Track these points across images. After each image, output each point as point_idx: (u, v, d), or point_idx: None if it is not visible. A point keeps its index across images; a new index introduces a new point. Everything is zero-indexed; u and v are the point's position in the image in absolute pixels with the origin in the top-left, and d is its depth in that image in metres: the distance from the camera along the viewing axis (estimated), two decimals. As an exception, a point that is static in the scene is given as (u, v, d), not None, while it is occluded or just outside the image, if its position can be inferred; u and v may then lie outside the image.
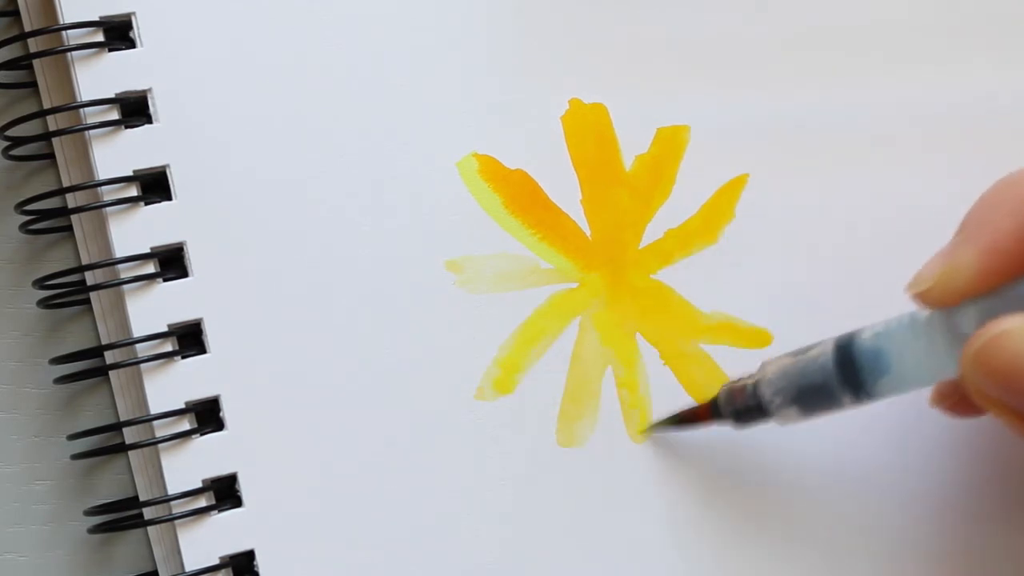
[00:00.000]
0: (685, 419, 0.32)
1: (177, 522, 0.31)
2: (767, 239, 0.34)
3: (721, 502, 0.33)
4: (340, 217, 0.32)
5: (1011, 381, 0.24)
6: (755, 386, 0.31)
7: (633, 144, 0.34)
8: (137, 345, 0.31)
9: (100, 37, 0.31)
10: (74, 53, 0.31)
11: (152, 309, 0.31)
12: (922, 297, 0.27)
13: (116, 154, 0.31)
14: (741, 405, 0.31)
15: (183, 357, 0.31)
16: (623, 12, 0.34)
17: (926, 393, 0.31)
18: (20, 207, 0.32)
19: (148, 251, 0.31)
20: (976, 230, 0.26)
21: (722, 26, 0.34)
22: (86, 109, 0.31)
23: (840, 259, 0.34)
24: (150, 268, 0.31)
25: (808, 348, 0.30)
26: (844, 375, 0.29)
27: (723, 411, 0.31)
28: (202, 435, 0.31)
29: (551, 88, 0.33)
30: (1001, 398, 0.25)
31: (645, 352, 0.33)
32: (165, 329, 0.31)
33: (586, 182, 0.33)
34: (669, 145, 0.34)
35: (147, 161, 0.31)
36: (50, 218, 0.32)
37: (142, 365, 0.31)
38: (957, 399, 0.30)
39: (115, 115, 0.31)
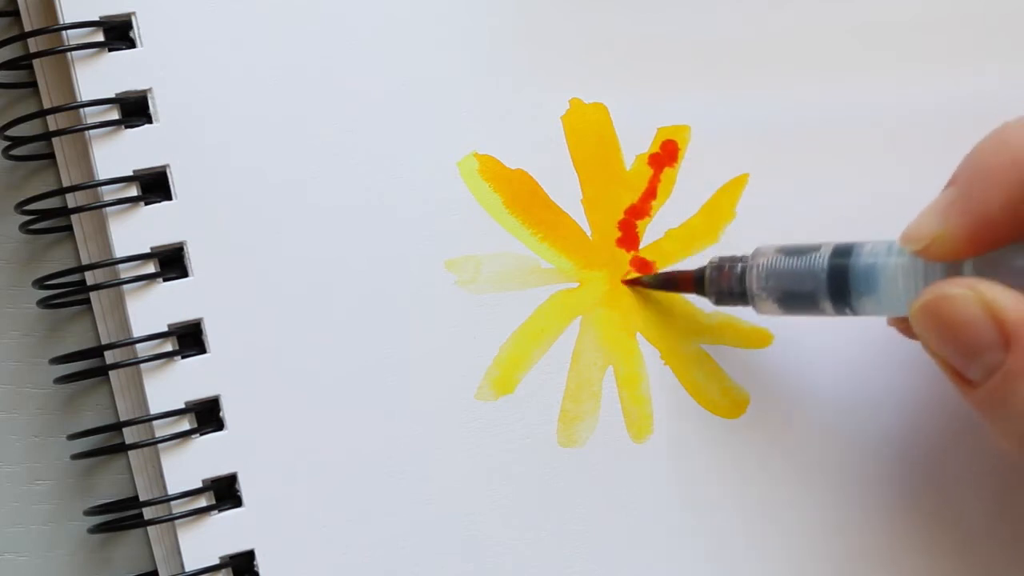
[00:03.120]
0: (667, 281, 0.33)
1: (177, 522, 0.31)
2: (767, 239, 0.34)
3: (721, 502, 0.33)
4: (340, 217, 0.32)
5: (942, 339, 0.27)
6: (743, 273, 0.31)
7: (633, 144, 0.34)
8: (137, 345, 0.31)
9: (100, 37, 0.31)
10: (74, 53, 0.31)
11: (152, 309, 0.31)
12: (920, 254, 0.28)
13: (116, 154, 0.31)
14: (725, 288, 0.31)
15: (183, 357, 0.31)
16: (624, 12, 0.34)
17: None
18: (20, 207, 0.32)
19: (148, 251, 0.31)
20: (968, 195, 0.27)
21: (722, 26, 0.34)
22: (86, 109, 0.31)
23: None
24: (150, 268, 0.31)
25: (803, 248, 0.30)
26: (833, 287, 0.29)
27: (706, 287, 0.32)
28: (202, 435, 0.31)
29: (551, 88, 0.33)
30: (939, 352, 0.27)
31: (645, 352, 0.33)
32: (165, 329, 0.31)
33: (586, 182, 0.33)
34: (671, 147, 0.34)
35: (147, 161, 0.31)
36: (50, 218, 0.32)
37: (142, 365, 0.31)
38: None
39: (115, 115, 0.31)
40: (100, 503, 0.33)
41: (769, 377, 0.34)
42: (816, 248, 0.30)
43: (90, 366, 0.32)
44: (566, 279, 0.33)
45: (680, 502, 0.33)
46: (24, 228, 0.32)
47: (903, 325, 0.32)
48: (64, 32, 0.31)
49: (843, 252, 0.29)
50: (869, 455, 0.34)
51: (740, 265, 0.31)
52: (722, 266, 0.31)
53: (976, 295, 0.26)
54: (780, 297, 0.30)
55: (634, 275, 0.33)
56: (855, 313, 0.29)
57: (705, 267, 0.32)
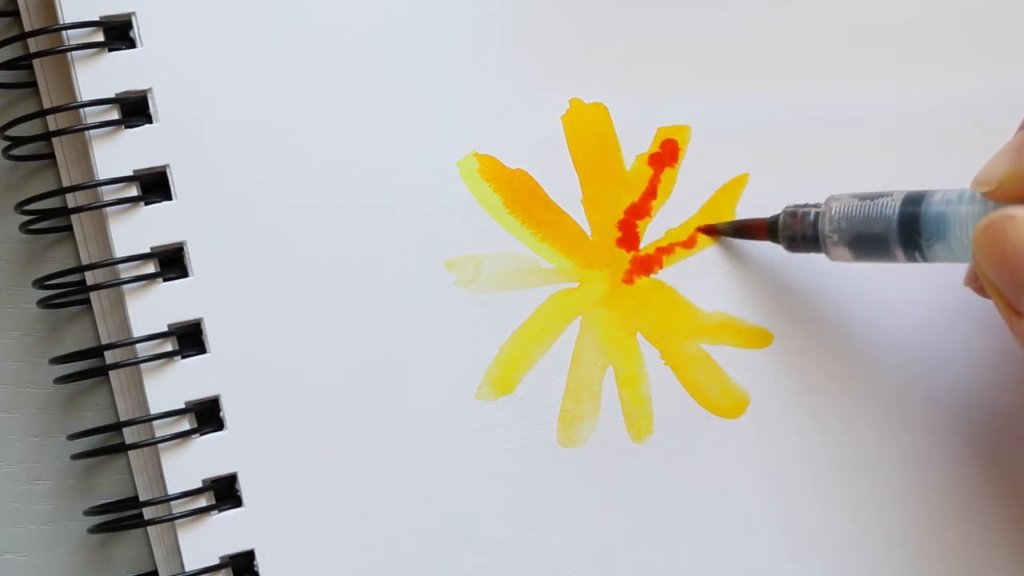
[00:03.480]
0: (741, 229, 0.33)
1: (177, 522, 0.31)
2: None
3: (721, 502, 0.33)
4: (340, 217, 0.32)
5: (1000, 261, 0.27)
6: (816, 218, 0.31)
7: (633, 144, 0.34)
8: (137, 345, 0.31)
9: (100, 37, 0.31)
10: (74, 53, 0.31)
11: (152, 309, 0.31)
12: (989, 195, 0.28)
13: (116, 154, 0.31)
14: (799, 232, 0.31)
15: (183, 357, 0.31)
16: (624, 12, 0.34)
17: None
18: (20, 207, 0.32)
19: (148, 251, 0.31)
20: None
21: (722, 26, 0.34)
22: (86, 109, 0.31)
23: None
24: (150, 268, 0.31)
25: (876, 195, 0.30)
26: (904, 232, 0.29)
27: (779, 233, 0.32)
28: (202, 435, 0.31)
29: (551, 88, 0.33)
30: (994, 279, 0.27)
31: (645, 352, 0.33)
32: (165, 329, 0.31)
33: (586, 182, 0.33)
34: (670, 147, 0.34)
35: (147, 161, 0.31)
36: (50, 218, 0.32)
37: (142, 365, 0.31)
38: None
39: (115, 115, 0.31)
40: (100, 503, 0.33)
41: (769, 377, 0.34)
42: (889, 194, 0.30)
43: (90, 366, 0.32)
44: (566, 279, 0.33)
45: (680, 502, 0.33)
46: (24, 228, 0.32)
47: (978, 285, 0.31)
48: (64, 32, 0.31)
49: (915, 199, 0.29)
50: (869, 455, 0.34)
51: (814, 211, 0.31)
52: (795, 212, 0.31)
53: None
54: (851, 240, 0.30)
55: (716, 229, 0.34)
56: (925, 260, 0.29)
57: (779, 214, 0.32)
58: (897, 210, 0.29)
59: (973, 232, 0.27)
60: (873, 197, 0.30)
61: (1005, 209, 0.27)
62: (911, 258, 0.30)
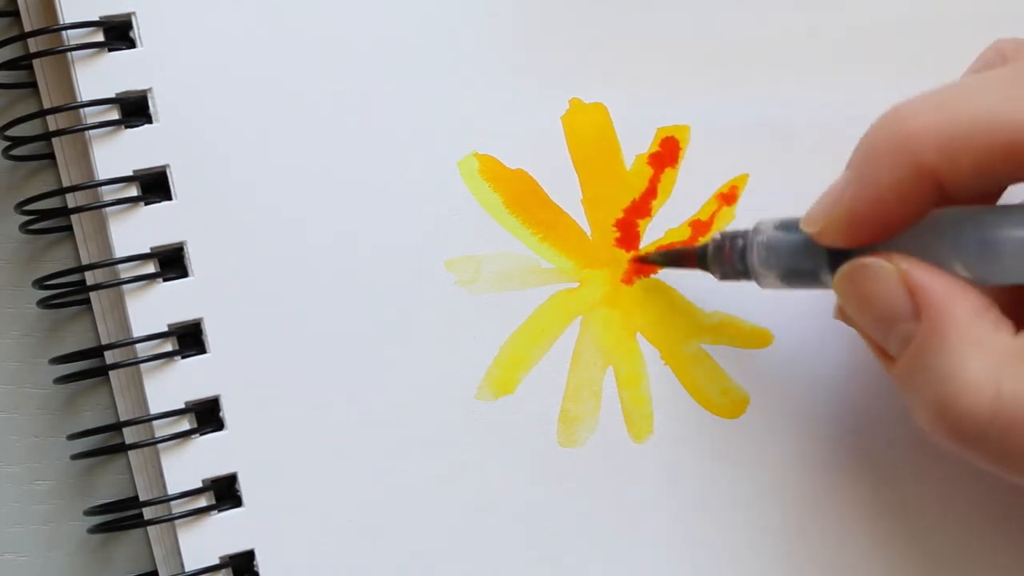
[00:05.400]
0: (672, 259, 0.33)
1: (177, 522, 0.31)
2: (767, 239, 0.34)
3: (721, 502, 0.33)
4: (340, 217, 0.32)
5: (861, 309, 0.28)
6: (743, 251, 0.30)
7: (633, 144, 0.34)
8: (137, 345, 0.31)
9: (100, 37, 0.31)
10: (74, 53, 0.31)
11: (152, 309, 0.31)
12: (812, 237, 0.28)
13: (116, 154, 0.31)
14: (728, 266, 0.31)
15: (183, 357, 0.31)
16: (624, 12, 0.34)
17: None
18: (20, 207, 0.32)
19: (148, 251, 0.31)
20: (858, 179, 0.27)
21: (722, 26, 0.34)
22: (86, 109, 0.31)
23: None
24: (150, 268, 0.31)
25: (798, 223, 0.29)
26: (834, 261, 0.29)
27: (709, 264, 0.31)
28: (202, 435, 0.31)
29: (551, 88, 0.33)
30: (860, 325, 0.28)
31: (645, 352, 0.33)
32: (165, 329, 0.31)
33: (586, 182, 0.33)
34: (669, 145, 0.34)
35: (147, 161, 0.31)
36: (50, 218, 0.32)
37: (142, 365, 0.31)
38: None
39: (115, 115, 0.31)
40: (100, 503, 0.33)
41: (769, 377, 0.34)
42: None
43: (90, 366, 0.32)
44: (566, 279, 0.33)
45: (680, 502, 0.33)
46: (24, 228, 0.32)
47: (845, 317, 0.31)
48: (64, 32, 0.31)
49: None
50: (869, 455, 0.34)
51: (741, 242, 0.31)
52: (723, 244, 0.31)
53: (892, 264, 0.27)
54: (782, 274, 0.30)
55: (642, 253, 0.33)
56: None
57: (707, 244, 0.31)
58: (825, 251, 0.29)
59: (833, 281, 0.28)
60: (795, 226, 0.29)
61: (858, 259, 0.27)
62: None
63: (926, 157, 0.26)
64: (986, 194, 0.27)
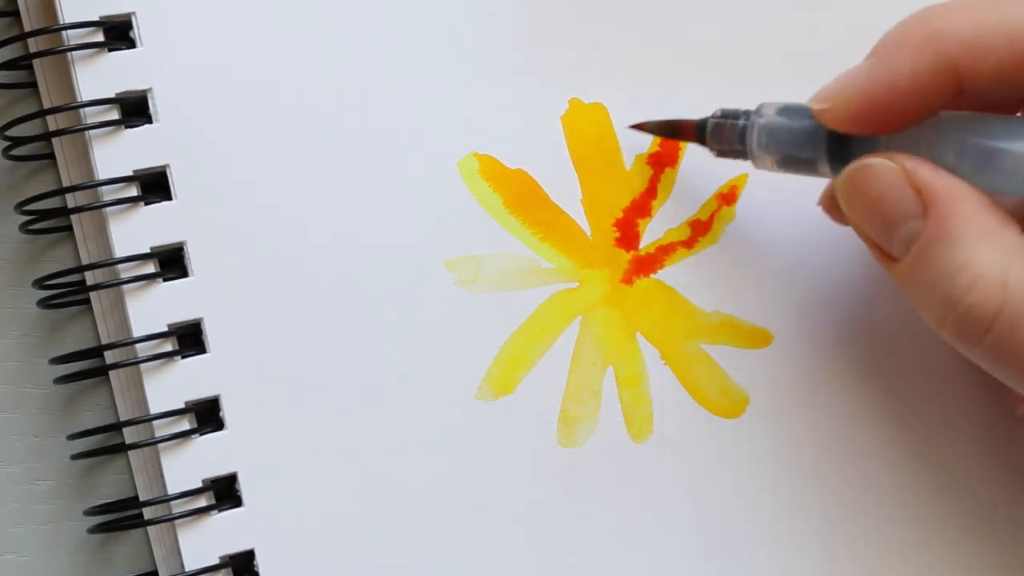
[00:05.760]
0: (670, 130, 0.33)
1: (177, 522, 0.31)
2: (767, 239, 0.34)
3: (721, 502, 0.33)
4: (340, 217, 0.32)
5: (865, 210, 0.28)
6: (743, 131, 0.31)
7: (633, 144, 0.34)
8: (137, 345, 0.31)
9: (100, 37, 0.31)
10: (74, 53, 0.31)
11: (152, 309, 0.31)
12: (819, 115, 0.28)
13: (116, 154, 0.31)
14: (726, 144, 0.31)
15: (183, 357, 0.31)
16: (623, 12, 0.34)
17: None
18: (20, 207, 0.32)
19: (148, 251, 0.31)
20: (879, 62, 0.27)
21: (722, 26, 0.34)
22: (86, 109, 0.31)
23: (840, 258, 0.34)
24: (150, 268, 0.31)
25: (804, 110, 0.29)
26: (833, 151, 0.29)
27: (708, 139, 0.32)
28: (202, 435, 0.31)
29: (551, 88, 0.33)
30: (862, 226, 0.28)
31: (645, 352, 0.33)
32: (165, 329, 0.31)
33: (586, 182, 0.33)
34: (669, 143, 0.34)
35: (147, 161, 0.31)
36: (50, 218, 0.32)
37: (142, 365, 0.31)
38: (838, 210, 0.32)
39: (115, 115, 0.31)
40: (100, 503, 0.33)
41: (769, 377, 0.34)
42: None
43: (90, 366, 0.32)
44: (566, 279, 0.33)
45: (680, 502, 0.33)
46: (24, 228, 0.32)
47: (829, 204, 0.32)
48: (64, 32, 0.31)
49: None
50: (870, 455, 0.34)
51: (742, 122, 0.31)
52: (724, 122, 0.31)
53: (896, 164, 0.27)
54: (780, 159, 0.30)
55: (635, 124, 0.33)
56: None
57: (708, 119, 0.32)
58: (826, 136, 0.29)
59: (835, 184, 0.28)
60: (801, 113, 0.29)
61: (862, 160, 0.28)
62: (838, 172, 0.29)
63: (950, 52, 0.26)
64: (1002, 104, 0.28)
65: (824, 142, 0.29)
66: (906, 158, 0.27)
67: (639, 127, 0.33)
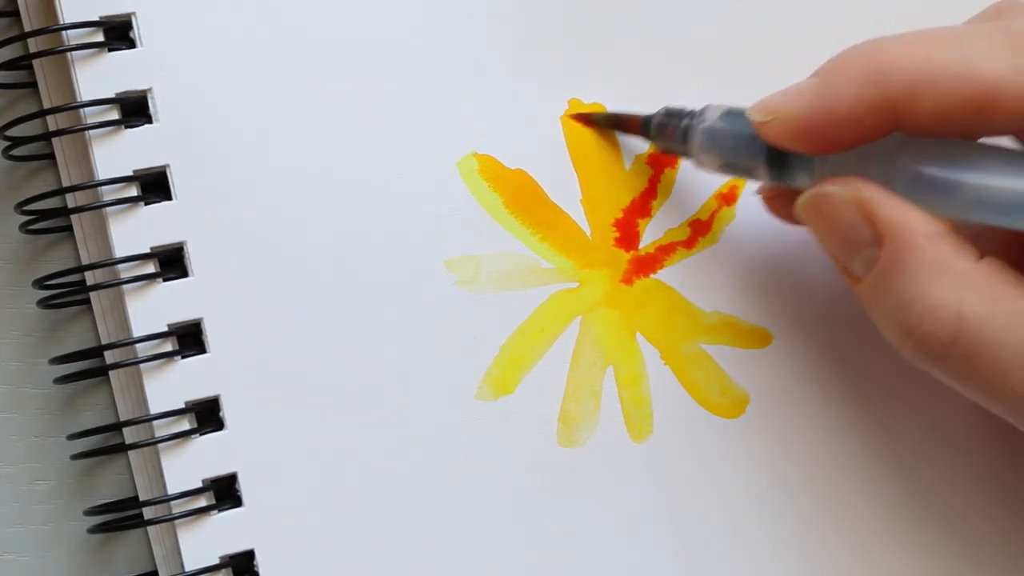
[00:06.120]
0: (614, 122, 0.33)
1: (177, 522, 0.31)
2: (767, 239, 0.34)
3: (721, 502, 0.33)
4: (340, 217, 0.32)
5: (826, 234, 0.28)
6: (685, 132, 0.31)
7: (633, 144, 0.34)
8: (137, 345, 0.31)
9: (100, 37, 0.31)
10: (74, 53, 0.31)
11: (152, 309, 0.31)
12: (758, 128, 0.28)
13: (116, 154, 0.31)
14: (669, 143, 0.31)
15: (183, 357, 0.31)
16: (624, 12, 0.34)
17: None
18: (20, 207, 0.32)
19: (148, 251, 0.31)
20: (823, 84, 0.27)
21: (722, 26, 0.34)
22: (86, 109, 0.31)
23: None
24: (150, 268, 0.31)
25: (745, 116, 0.29)
26: (772, 160, 0.29)
27: (652, 135, 0.32)
28: (202, 435, 0.31)
29: (551, 88, 0.33)
30: (827, 248, 0.29)
31: (645, 352, 0.33)
32: (165, 329, 0.31)
33: (585, 182, 0.33)
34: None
35: (147, 161, 0.31)
36: (50, 218, 0.32)
37: (142, 365, 0.31)
38: (778, 199, 0.32)
39: (115, 115, 0.31)
40: (100, 503, 0.33)
41: (769, 377, 0.34)
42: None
43: (90, 366, 0.32)
44: (566, 279, 0.33)
45: (680, 502, 0.33)
46: (24, 228, 0.32)
47: (767, 195, 0.32)
48: (64, 32, 0.31)
49: None
50: (870, 455, 0.34)
51: (686, 122, 0.31)
52: (667, 123, 0.31)
53: (851, 193, 0.27)
54: (720, 163, 0.30)
55: (579, 112, 0.33)
56: (790, 182, 0.29)
57: (652, 116, 0.32)
58: (766, 145, 0.29)
59: (796, 204, 0.29)
60: (744, 119, 0.29)
61: (820, 187, 0.28)
62: (776, 180, 0.30)
63: (892, 89, 0.26)
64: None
65: (763, 151, 0.29)
66: (862, 185, 0.27)
67: (582, 117, 0.33)
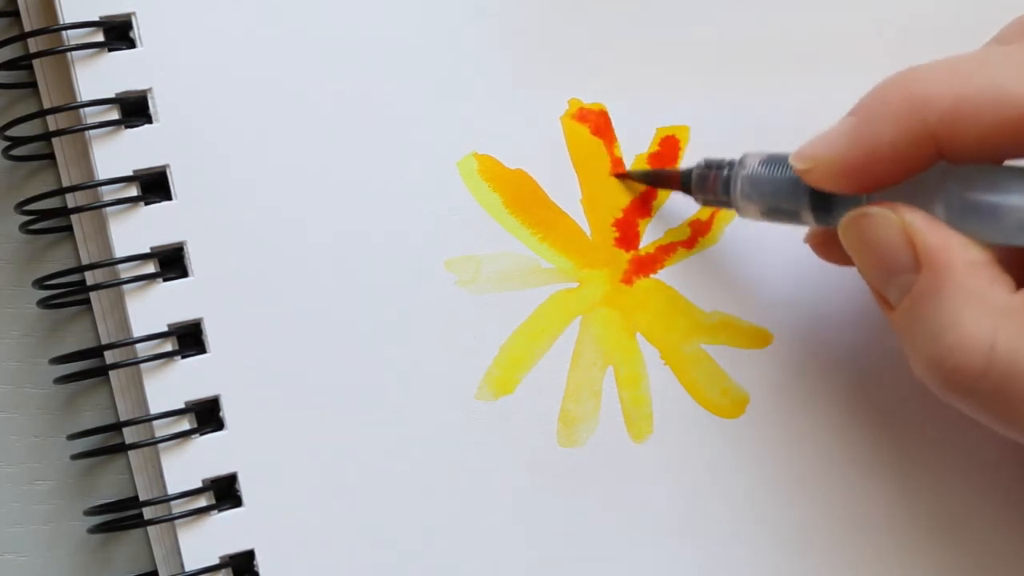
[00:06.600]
0: (655, 179, 0.33)
1: (177, 522, 0.31)
2: (767, 239, 0.34)
3: (721, 502, 0.33)
4: (340, 217, 0.32)
5: (864, 257, 0.28)
6: (727, 181, 0.31)
7: (633, 144, 0.34)
8: (137, 345, 0.31)
9: (100, 37, 0.31)
10: (74, 53, 0.31)
11: (152, 309, 0.31)
12: (801, 175, 0.28)
13: (116, 154, 0.31)
14: (711, 195, 0.31)
15: (183, 357, 0.31)
16: (624, 12, 0.34)
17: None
18: (20, 207, 0.32)
19: (148, 251, 0.31)
20: (862, 126, 0.27)
21: (722, 26, 0.34)
22: (86, 109, 0.31)
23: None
24: (150, 268, 0.31)
25: (787, 161, 0.29)
26: (816, 203, 0.29)
27: (693, 189, 0.32)
28: (202, 435, 0.31)
29: (551, 88, 0.33)
30: (862, 272, 0.28)
31: (645, 352, 0.33)
32: (165, 329, 0.31)
33: (586, 182, 0.33)
34: (669, 145, 0.34)
35: (147, 161, 0.31)
36: (50, 218, 0.32)
37: (142, 365, 0.31)
38: (826, 245, 0.32)
39: (115, 115, 0.31)
40: (100, 503, 0.33)
41: (769, 377, 0.34)
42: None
43: (90, 366, 0.32)
44: (566, 279, 0.33)
45: (680, 502, 0.33)
46: (24, 228, 0.32)
47: (815, 242, 0.32)
48: (64, 32, 0.31)
49: None
50: (870, 455, 0.34)
51: (726, 172, 0.31)
52: (708, 173, 0.31)
53: (896, 216, 0.27)
54: (763, 210, 0.30)
55: (628, 171, 0.34)
56: (836, 223, 0.29)
57: (692, 169, 0.32)
58: (808, 189, 0.29)
59: (839, 226, 0.28)
60: (784, 164, 0.29)
61: (862, 207, 0.28)
62: (821, 222, 0.29)
63: (931, 121, 0.26)
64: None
65: (807, 195, 0.29)
66: (906, 210, 0.27)
67: (624, 175, 0.33)
